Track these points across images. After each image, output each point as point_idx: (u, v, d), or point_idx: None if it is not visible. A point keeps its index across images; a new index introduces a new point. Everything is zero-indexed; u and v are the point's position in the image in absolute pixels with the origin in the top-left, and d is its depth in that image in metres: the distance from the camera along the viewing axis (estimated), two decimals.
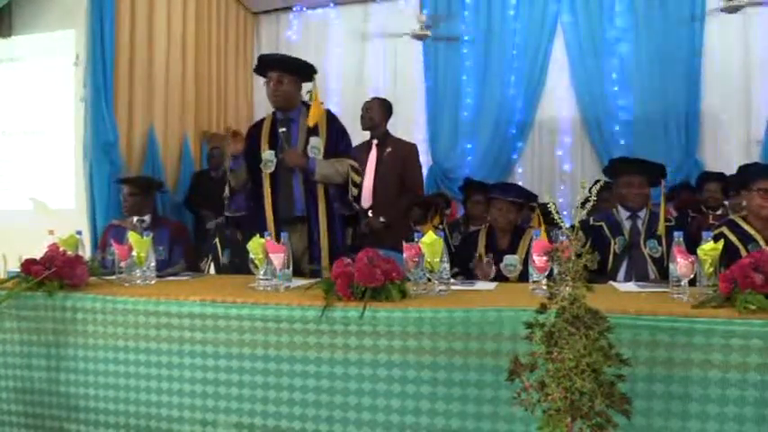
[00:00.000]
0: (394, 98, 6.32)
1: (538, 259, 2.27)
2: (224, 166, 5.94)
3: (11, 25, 4.99)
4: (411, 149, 4.47)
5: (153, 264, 2.72)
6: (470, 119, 6.60)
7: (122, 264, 2.70)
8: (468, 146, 6.59)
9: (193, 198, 5.67)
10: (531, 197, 3.58)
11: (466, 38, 6.62)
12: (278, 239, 2.92)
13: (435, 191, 6.19)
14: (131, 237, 2.67)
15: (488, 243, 3.37)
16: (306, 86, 3.41)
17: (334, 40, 7.07)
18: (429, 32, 6.48)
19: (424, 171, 6.52)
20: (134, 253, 2.66)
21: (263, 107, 7.42)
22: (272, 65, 3.24)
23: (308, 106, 3.28)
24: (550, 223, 3.24)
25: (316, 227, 3.17)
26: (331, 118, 3.30)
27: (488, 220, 3.53)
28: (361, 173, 3.30)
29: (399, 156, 4.32)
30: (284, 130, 3.19)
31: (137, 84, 5.17)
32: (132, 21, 5.12)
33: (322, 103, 3.37)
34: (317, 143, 3.19)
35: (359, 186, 3.25)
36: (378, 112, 4.38)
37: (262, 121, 3.40)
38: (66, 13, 4.81)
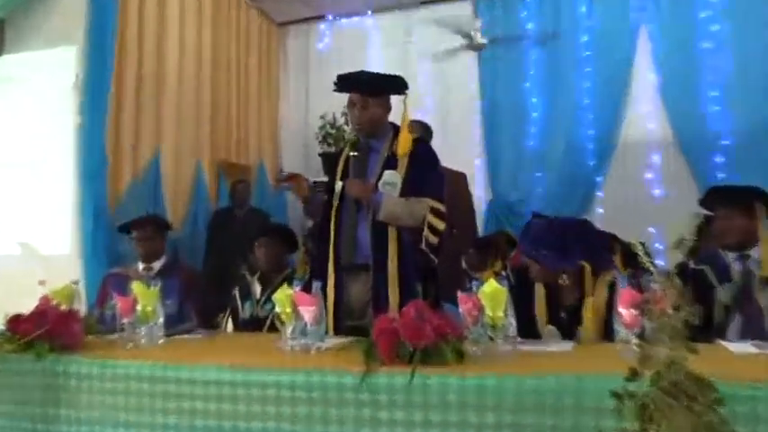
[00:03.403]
0: (444, 119, 6.41)
1: (625, 313, 2.21)
2: (250, 203, 6.09)
3: (3, 42, 5.21)
4: (459, 180, 4.46)
5: (161, 320, 2.74)
6: (538, 141, 6.61)
7: (125, 320, 2.73)
8: (537, 174, 6.59)
9: (216, 240, 5.77)
10: (571, 252, 3.29)
11: (525, 41, 6.67)
12: (337, 287, 2.99)
13: (496, 229, 6.15)
14: (136, 287, 2.71)
15: (548, 294, 3.21)
16: None
17: (373, 54, 7.24)
18: (485, 41, 6.53)
19: (483, 205, 6.53)
20: (139, 307, 2.69)
21: (291, 131, 7.60)
22: (352, 86, 3.22)
23: (397, 130, 3.23)
24: (638, 267, 3.13)
25: (382, 277, 3.06)
26: (418, 147, 3.19)
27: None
28: (445, 217, 3.15)
29: (448, 187, 4.31)
30: (355, 153, 3.21)
31: (144, 106, 5.37)
32: (140, 35, 5.34)
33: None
34: (391, 178, 3.09)
35: (440, 235, 3.12)
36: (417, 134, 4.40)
37: (345, 147, 3.43)
38: (67, 28, 5.00)
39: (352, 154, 3.20)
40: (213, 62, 6.30)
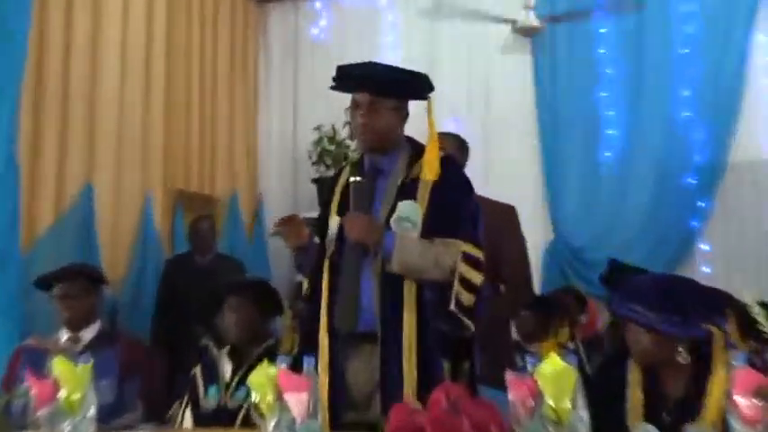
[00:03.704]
0: (484, 131, 6.43)
1: (743, 403, 2.18)
2: (216, 248, 6.08)
3: None
4: (506, 215, 4.43)
5: (93, 410, 2.73)
6: (616, 166, 6.62)
7: (42, 411, 2.72)
8: (615, 209, 6.59)
9: (169, 299, 5.77)
10: (693, 312, 3.22)
11: (603, 30, 6.68)
12: (332, 367, 2.99)
13: (561, 285, 6.12)
14: (58, 366, 2.69)
15: (646, 380, 3.15)
16: None
17: (387, 40, 7.32)
18: (542, 23, 6.55)
19: (540, 250, 6.51)
20: (62, 393, 2.68)
21: (274, 149, 7.62)
22: (358, 82, 3.20)
23: (416, 147, 3.21)
24: (759, 338, 3.09)
25: (395, 352, 3.01)
26: (444, 168, 3.15)
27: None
28: (482, 267, 3.09)
29: (489, 225, 4.27)
30: (358, 178, 3.16)
31: (72, 119, 5.40)
32: (68, 18, 5.38)
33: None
34: (408, 211, 3.05)
35: (477, 291, 3.05)
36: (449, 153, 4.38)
37: (343, 168, 3.42)
38: None
39: (353, 179, 3.16)
40: (168, 56, 6.33)
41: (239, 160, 7.36)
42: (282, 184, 7.57)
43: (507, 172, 6.52)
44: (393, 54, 7.11)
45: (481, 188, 4.48)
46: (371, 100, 3.12)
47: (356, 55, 6.91)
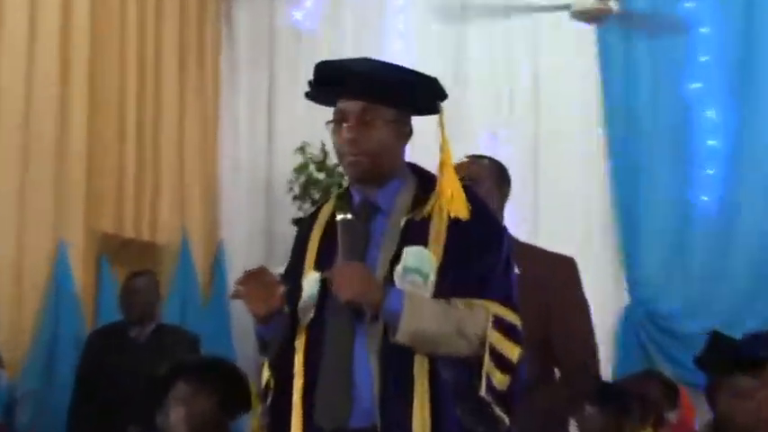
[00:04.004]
0: (533, 148, 6.42)
1: None
2: (158, 317, 6.05)
3: None
4: (564, 270, 4.40)
5: None
6: (716, 198, 6.62)
7: None
8: (715, 258, 6.57)
9: (92, 388, 5.72)
10: None
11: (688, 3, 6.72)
12: None
13: (641, 368, 6.08)
14: None
15: None
16: None
17: (397, 29, 7.33)
18: (612, 5, 6.56)
19: (612, 317, 6.47)
20: None
21: (241, 178, 7.63)
22: (345, 86, 3.17)
23: (423, 176, 3.16)
24: None
25: None
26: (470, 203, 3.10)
27: None
28: (519, 337, 3.00)
29: (541, 283, 4.25)
30: (348, 217, 3.10)
31: None
32: None
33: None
34: (418, 260, 3.00)
35: (512, 370, 2.98)
36: (483, 183, 4.36)
37: (322, 206, 3.35)
38: None
39: (341, 217, 3.11)
40: (93, 50, 6.32)
41: (192, 194, 7.33)
42: (251, 227, 7.56)
43: (565, 210, 6.51)
44: (405, 48, 7.13)
45: (529, 234, 4.47)
46: (364, 107, 3.04)
47: (354, 48, 6.96)
